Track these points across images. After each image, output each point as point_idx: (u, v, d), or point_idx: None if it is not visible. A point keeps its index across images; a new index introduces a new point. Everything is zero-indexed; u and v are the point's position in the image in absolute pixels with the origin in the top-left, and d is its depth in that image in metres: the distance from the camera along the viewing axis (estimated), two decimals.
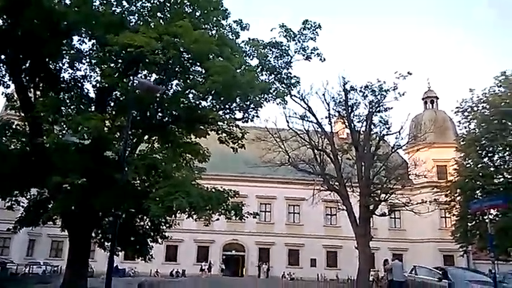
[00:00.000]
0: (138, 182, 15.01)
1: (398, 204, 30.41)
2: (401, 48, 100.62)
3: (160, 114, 15.66)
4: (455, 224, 31.16)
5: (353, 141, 29.33)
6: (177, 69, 14.19)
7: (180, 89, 15.07)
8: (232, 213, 15.88)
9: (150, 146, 16.96)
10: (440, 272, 16.82)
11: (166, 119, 15.60)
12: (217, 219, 15.87)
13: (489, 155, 28.75)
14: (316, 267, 40.34)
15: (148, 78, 14.67)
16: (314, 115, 29.64)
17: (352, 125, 29.56)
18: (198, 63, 14.08)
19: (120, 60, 14.23)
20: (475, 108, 29.30)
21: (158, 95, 14.18)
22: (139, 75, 14.23)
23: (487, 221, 18.21)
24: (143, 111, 15.06)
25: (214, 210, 14.60)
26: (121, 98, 15.68)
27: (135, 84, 13.14)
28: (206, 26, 14.49)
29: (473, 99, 29.40)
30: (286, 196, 41.23)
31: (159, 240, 18.68)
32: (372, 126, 29.33)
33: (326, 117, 29.97)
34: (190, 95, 14.87)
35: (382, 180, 29.38)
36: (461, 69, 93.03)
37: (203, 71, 14.13)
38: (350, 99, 28.92)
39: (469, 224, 28.77)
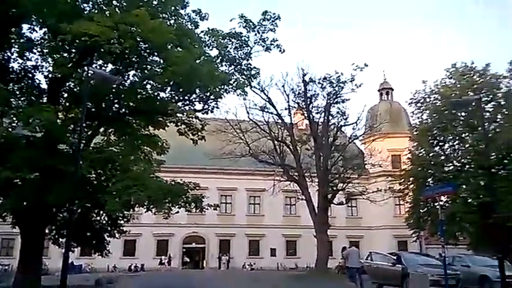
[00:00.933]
0: (94, 176, 14.54)
1: (355, 193, 31.44)
2: (359, 40, 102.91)
3: (116, 105, 15.19)
4: (408, 211, 32.39)
5: (312, 132, 29.94)
6: (134, 59, 13.77)
7: (137, 80, 14.66)
8: (192, 205, 15.79)
9: (106, 138, 16.46)
10: (395, 258, 17.45)
11: (123, 110, 15.15)
12: (177, 212, 15.71)
13: (440, 144, 30.02)
14: (276, 256, 40.91)
15: (103, 68, 14.17)
16: (274, 106, 30.02)
17: (311, 116, 30.15)
18: (156, 54, 13.73)
19: (73, 50, 13.65)
20: (428, 99, 30.42)
21: (114, 86, 13.76)
22: (94, 66, 13.71)
23: (437, 207, 19.03)
24: (99, 102, 14.56)
25: (174, 203, 14.43)
26: (75, 89, 15.08)
27: (89, 74, 12.67)
28: (164, 15, 14.12)
29: (426, 90, 30.52)
30: (247, 187, 41.38)
31: (117, 235, 18.25)
32: (330, 117, 30.08)
33: (286, 109, 30.49)
34: (148, 86, 14.51)
35: (340, 170, 30.21)
36: (417, 60, 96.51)
37: (161, 62, 13.81)
38: (309, 90, 29.50)
39: (421, 211, 29.97)
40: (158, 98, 14.55)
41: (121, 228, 18.13)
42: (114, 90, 14.13)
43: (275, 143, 29.89)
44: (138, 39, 12.54)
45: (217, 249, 40.37)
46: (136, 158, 15.60)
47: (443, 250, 15.40)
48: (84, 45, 12.27)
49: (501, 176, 26.67)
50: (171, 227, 36.30)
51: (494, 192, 20.42)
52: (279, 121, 30.54)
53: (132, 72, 14.74)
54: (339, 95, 29.02)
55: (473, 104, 22.21)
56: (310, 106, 29.80)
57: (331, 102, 29.34)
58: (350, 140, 32.02)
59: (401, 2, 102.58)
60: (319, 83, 28.92)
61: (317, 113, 30.00)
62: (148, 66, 14.18)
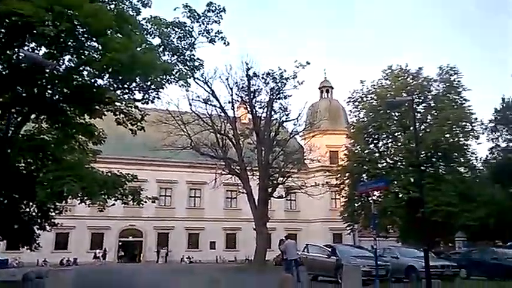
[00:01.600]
0: (24, 165, 13.66)
1: (295, 187, 32.20)
2: (302, 39, 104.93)
3: (50, 91, 14.31)
4: (344, 205, 33.73)
5: (254, 127, 30.17)
6: (70, 43, 13.03)
7: (73, 66, 13.89)
8: (129, 198, 15.34)
9: (38, 126, 15.50)
10: (329, 249, 18.07)
11: (57, 97, 14.31)
12: (113, 204, 15.20)
13: (375, 142, 31.52)
14: (215, 249, 40.95)
15: (36, 52, 13.28)
16: (217, 99, 29.83)
17: (254, 110, 30.35)
18: (95, 39, 13.08)
19: (3, 30, 12.68)
20: (365, 99, 31.74)
21: (48, 70, 12.97)
22: (26, 48, 12.81)
23: (371, 202, 20.00)
24: (30, 87, 13.65)
25: (109, 195, 13.92)
26: (4, 72, 14.02)
27: (20, 57, 11.85)
28: None
29: (364, 90, 31.85)
30: (187, 180, 40.90)
31: (48, 228, 17.31)
32: (273, 113, 30.47)
33: (229, 102, 30.39)
34: (85, 73, 13.80)
35: (280, 165, 30.78)
36: (357, 61, 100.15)
37: (100, 47, 13.18)
38: (252, 85, 29.65)
39: (356, 205, 31.35)
40: (95, 85, 13.88)
41: (52, 220, 17.22)
42: (47, 75, 13.30)
43: (217, 136, 29.78)
44: (75, 23, 11.89)
45: (156, 242, 39.63)
46: (70, 147, 14.86)
47: (375, 242, 16.22)
48: (15, 26, 11.44)
49: (429, 173, 28.56)
50: (106, 220, 35.06)
51: (422, 189, 21.76)
52: (222, 114, 30.45)
53: (67, 57, 13.93)
54: (281, 91, 29.48)
55: (406, 105, 23.47)
56: (254, 100, 30.00)
57: (274, 97, 29.74)
58: (291, 136, 32.68)
59: (344, 4, 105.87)
60: (262, 78, 29.18)
61: (260, 107, 30.29)
62: (85, 52, 13.46)
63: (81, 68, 13.96)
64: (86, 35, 12.87)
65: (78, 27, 12.24)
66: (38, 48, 13.55)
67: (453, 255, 24.18)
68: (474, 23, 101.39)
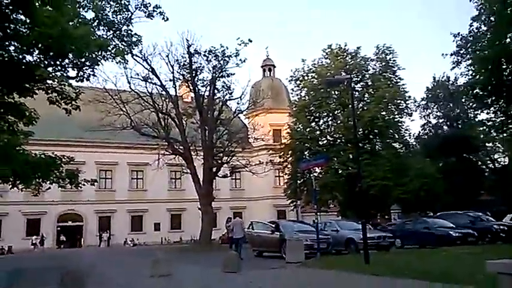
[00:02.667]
0: None
1: (239, 165, 32.34)
2: (245, 15, 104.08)
3: None
4: (287, 182, 34.52)
5: (197, 105, 29.69)
6: None
7: None
8: (66, 181, 14.65)
9: None
10: (273, 226, 18.52)
11: None
12: (49, 188, 14.46)
13: (316, 120, 32.30)
14: (160, 231, 40.52)
15: None
16: (158, 77, 28.89)
17: (197, 89, 29.81)
18: (21, 11, 12.07)
19: None
20: (306, 78, 32.28)
21: None
22: None
23: (312, 178, 20.63)
24: None
25: (44, 178, 13.21)
26: None
27: None
28: None
29: (305, 69, 32.34)
30: (128, 161, 39.78)
31: None
32: (216, 91, 30.09)
33: (170, 80, 29.55)
34: (11, 48, 12.73)
35: (225, 144, 30.68)
36: (299, 39, 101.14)
37: (28, 21, 12.19)
38: (194, 62, 28.99)
39: (299, 182, 32.16)
40: (24, 61, 12.88)
41: None
42: None
43: (159, 116, 29.00)
44: None
45: (97, 226, 38.48)
46: None
47: (317, 217, 16.84)
48: None
49: (366, 149, 29.84)
50: (43, 205, 33.50)
51: (360, 164, 22.73)
52: (163, 93, 29.62)
53: None
54: (224, 69, 29.10)
55: (345, 83, 24.14)
56: (196, 79, 29.41)
57: (217, 75, 29.32)
58: (235, 115, 32.60)
59: None
60: (204, 55, 28.57)
61: (202, 86, 29.76)
62: (11, 26, 12.39)
63: (6, 43, 12.87)
64: (11, 7, 11.84)
65: None
66: None
67: (389, 226, 25.77)
68: (411, 3, 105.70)
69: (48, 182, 13.77)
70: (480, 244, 18.18)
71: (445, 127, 44.10)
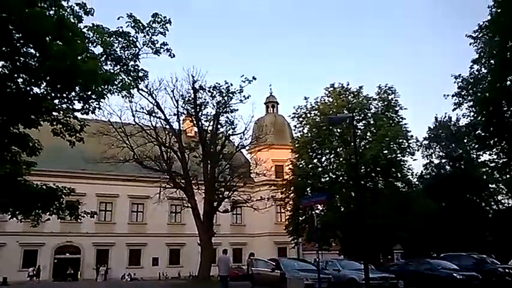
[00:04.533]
0: None
1: (240, 200, 32.12)
2: (249, 53, 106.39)
3: None
4: (288, 219, 34.19)
5: (200, 140, 29.86)
6: (4, 48, 12.25)
7: (7, 72, 13.05)
8: (66, 212, 14.53)
9: None
10: (274, 263, 18.22)
11: None
12: (48, 219, 14.33)
13: (318, 156, 32.39)
14: (158, 265, 39.79)
15: None
16: (162, 111, 29.21)
17: (200, 123, 30.06)
18: (32, 45, 12.40)
19: None
20: (308, 115, 32.65)
21: None
22: None
23: (314, 215, 20.48)
24: None
25: (44, 209, 13.10)
26: None
27: None
28: (43, 4, 12.85)
29: (307, 106, 32.76)
30: (129, 194, 39.58)
31: None
32: (219, 126, 30.33)
33: (174, 114, 29.85)
34: (20, 80, 13.00)
35: (226, 178, 30.62)
36: (303, 77, 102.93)
37: (38, 54, 12.50)
38: (199, 98, 29.37)
39: (300, 219, 31.86)
40: (31, 93, 13.11)
41: None
42: None
43: (162, 149, 29.12)
44: (11, 27, 11.22)
45: (95, 259, 37.84)
46: (1, 158, 13.86)
47: (318, 256, 16.60)
48: None
49: (368, 187, 29.71)
50: (41, 236, 33.05)
51: (362, 202, 22.57)
52: (167, 127, 29.87)
53: (1, 63, 13.08)
54: (228, 105, 29.44)
55: (347, 121, 24.36)
56: (200, 114, 29.73)
57: (220, 111, 29.63)
58: (237, 149, 32.69)
59: (286, 22, 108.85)
60: (209, 91, 29.00)
61: (206, 120, 30.02)
62: (21, 58, 12.71)
63: (15, 75, 13.15)
64: (22, 41, 12.18)
65: (14, 31, 11.57)
66: None
67: (391, 267, 25.24)
68: (413, 44, 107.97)
69: (48, 213, 13.65)
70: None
71: (448, 167, 44.00)
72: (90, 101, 13.04)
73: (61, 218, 15.52)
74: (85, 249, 37.69)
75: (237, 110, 30.01)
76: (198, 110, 29.55)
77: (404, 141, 31.09)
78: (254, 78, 28.80)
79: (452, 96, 23.16)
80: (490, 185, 39.90)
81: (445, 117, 43.67)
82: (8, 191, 11.42)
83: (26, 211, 12.69)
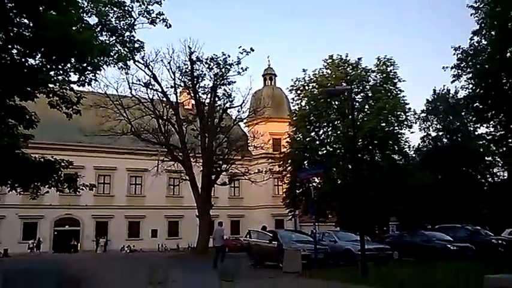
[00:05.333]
0: None
1: (238, 173, 32.33)
2: (247, 24, 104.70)
3: None
4: (286, 192, 34.44)
5: (198, 113, 29.76)
6: None
7: (0, 43, 12.81)
8: (65, 185, 14.60)
9: None
10: (271, 235, 18.45)
11: None
12: (47, 192, 14.41)
13: (316, 129, 32.30)
14: (157, 237, 40.33)
15: None
16: (159, 83, 28.98)
17: (198, 96, 29.90)
18: (25, 15, 12.11)
19: None
20: (306, 87, 32.32)
21: None
22: None
23: (311, 188, 20.62)
24: None
25: (42, 182, 13.15)
26: None
27: None
28: None
29: (306, 78, 32.37)
30: (127, 167, 39.72)
31: None
32: (216, 99, 30.18)
33: (171, 87, 29.66)
34: (14, 51, 12.77)
35: (224, 151, 30.70)
36: (301, 48, 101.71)
37: (31, 24, 12.24)
38: (196, 70, 29.10)
39: (297, 191, 32.09)
40: (26, 65, 12.91)
41: None
42: None
43: (159, 122, 29.04)
44: None
45: (94, 231, 38.29)
46: None
47: (314, 227, 16.80)
48: None
49: (365, 160, 29.81)
50: (40, 209, 33.32)
51: (359, 175, 22.69)
52: (164, 99, 29.69)
53: None
54: (225, 77, 29.21)
55: (345, 93, 24.21)
56: (197, 86, 29.52)
57: (218, 83, 29.43)
58: (235, 122, 32.64)
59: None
60: (206, 63, 28.71)
61: (203, 93, 29.87)
62: (14, 29, 12.44)
63: (9, 46, 12.91)
64: (15, 11, 11.90)
65: (7, 1, 11.28)
66: None
67: (387, 238, 25.63)
68: (411, 15, 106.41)
69: (47, 185, 13.71)
70: (478, 258, 18.09)
71: (445, 140, 44.11)
72: (86, 73, 12.88)
73: (60, 191, 15.64)
74: (84, 221, 38.08)
75: (235, 82, 29.92)
76: (195, 82, 29.33)
77: (402, 113, 30.97)
78: (252, 49, 28.49)
79: (451, 68, 22.90)
80: (486, 158, 40.12)
81: (444, 89, 43.48)
82: (7, 164, 11.40)
83: (24, 183, 12.75)
